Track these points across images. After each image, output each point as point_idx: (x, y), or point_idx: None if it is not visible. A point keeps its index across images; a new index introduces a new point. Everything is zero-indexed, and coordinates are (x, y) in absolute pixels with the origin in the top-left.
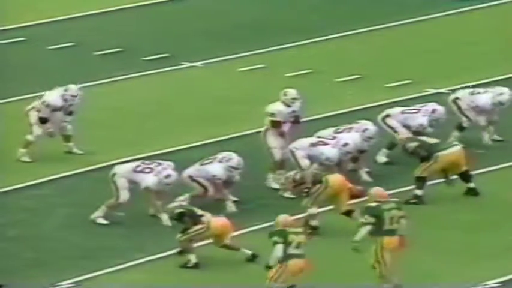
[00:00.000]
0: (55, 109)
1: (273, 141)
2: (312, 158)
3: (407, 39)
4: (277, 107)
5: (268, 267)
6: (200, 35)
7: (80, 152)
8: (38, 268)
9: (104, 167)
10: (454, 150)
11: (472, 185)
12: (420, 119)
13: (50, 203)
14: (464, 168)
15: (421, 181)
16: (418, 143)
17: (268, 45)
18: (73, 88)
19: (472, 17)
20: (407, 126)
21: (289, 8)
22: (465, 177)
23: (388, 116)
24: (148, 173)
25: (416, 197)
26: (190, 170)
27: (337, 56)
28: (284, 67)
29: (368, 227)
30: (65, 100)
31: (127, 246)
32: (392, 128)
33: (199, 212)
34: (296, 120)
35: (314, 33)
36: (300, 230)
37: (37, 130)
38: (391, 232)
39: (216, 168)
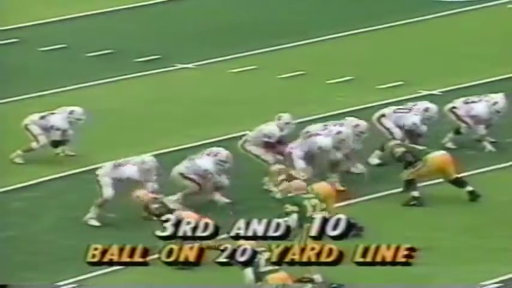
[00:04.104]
0: (59, 129)
1: (256, 149)
2: (307, 153)
3: (399, 40)
4: (271, 129)
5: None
6: (192, 37)
7: (72, 154)
8: (31, 270)
9: (95, 168)
10: (440, 155)
11: (469, 188)
12: (413, 118)
13: (43, 205)
14: (453, 175)
15: (410, 183)
16: (405, 149)
17: (260, 46)
18: (78, 111)
19: (464, 18)
20: (400, 126)
21: (281, 9)
22: (458, 183)
23: (383, 116)
24: (127, 164)
25: (415, 198)
26: (180, 167)
27: (329, 57)
28: (276, 68)
29: (295, 215)
30: (70, 123)
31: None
32: (387, 129)
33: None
34: (283, 142)
35: (306, 35)
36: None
37: (43, 140)
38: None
39: (205, 162)
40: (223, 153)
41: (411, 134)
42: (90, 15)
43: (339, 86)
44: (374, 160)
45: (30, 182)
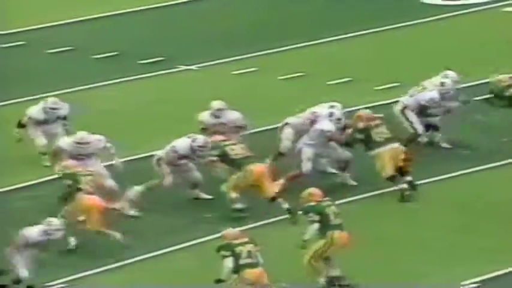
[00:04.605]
0: (39, 122)
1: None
2: (316, 145)
3: (395, 43)
4: (204, 117)
5: (220, 281)
6: (195, 39)
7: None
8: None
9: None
10: (391, 147)
11: (408, 178)
12: (430, 94)
13: (45, 203)
14: (400, 164)
15: (393, 179)
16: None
17: (261, 49)
18: (52, 100)
19: (457, 21)
20: (421, 107)
21: (281, 13)
22: (401, 172)
23: (405, 107)
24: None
25: (405, 189)
26: (160, 153)
27: (328, 59)
28: (277, 70)
29: (316, 225)
30: (46, 113)
31: (115, 246)
32: (410, 122)
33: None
34: (238, 129)
35: (305, 37)
36: (247, 239)
37: (41, 141)
38: (339, 226)
39: (183, 144)
40: (201, 139)
41: (428, 113)
42: (96, 18)
43: (338, 87)
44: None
45: (35, 182)
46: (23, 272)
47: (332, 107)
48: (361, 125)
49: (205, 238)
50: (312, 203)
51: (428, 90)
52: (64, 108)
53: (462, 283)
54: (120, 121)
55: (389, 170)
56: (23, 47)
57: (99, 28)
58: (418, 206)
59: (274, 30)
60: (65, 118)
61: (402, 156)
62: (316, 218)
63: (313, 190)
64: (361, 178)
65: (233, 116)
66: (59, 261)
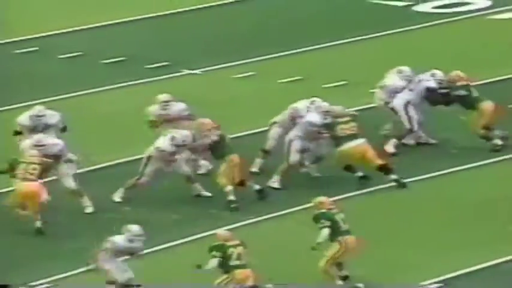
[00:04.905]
0: (31, 129)
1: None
2: (304, 138)
3: (387, 48)
4: (153, 110)
5: (199, 267)
6: (198, 45)
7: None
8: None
9: (106, 167)
10: (357, 143)
11: (394, 176)
12: (427, 83)
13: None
14: (377, 162)
15: (383, 170)
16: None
17: (261, 54)
18: (38, 108)
19: (449, 28)
20: (416, 100)
21: (280, 19)
22: (384, 170)
23: (408, 102)
24: None
25: (395, 180)
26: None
27: (324, 64)
28: (276, 74)
29: (327, 230)
30: (32, 120)
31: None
32: (409, 117)
33: None
34: (183, 118)
35: (302, 43)
36: (238, 242)
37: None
38: (348, 232)
39: (161, 140)
40: (179, 137)
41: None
42: (105, 25)
43: (334, 90)
44: (390, 148)
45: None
46: (124, 275)
47: (312, 102)
48: (329, 119)
49: (207, 233)
50: (323, 210)
51: (425, 81)
52: (52, 117)
53: (451, 275)
54: (127, 123)
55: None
56: (35, 52)
57: (108, 34)
58: (409, 202)
59: (273, 36)
60: (64, 130)
61: (372, 152)
62: (327, 224)
63: (322, 198)
64: (349, 176)
65: (178, 107)
66: (62, 255)
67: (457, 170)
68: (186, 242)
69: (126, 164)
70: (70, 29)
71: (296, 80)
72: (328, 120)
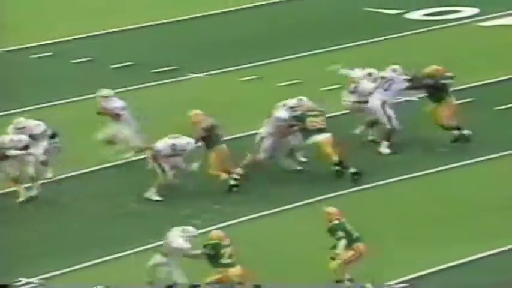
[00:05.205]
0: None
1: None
2: (274, 134)
3: (379, 54)
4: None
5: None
6: (203, 50)
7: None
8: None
9: (117, 165)
10: (322, 137)
11: (352, 170)
12: (400, 85)
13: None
14: (334, 158)
15: (341, 165)
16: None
17: (264, 58)
18: (16, 121)
19: (439, 35)
20: (391, 99)
21: (281, 27)
22: (342, 166)
23: (385, 102)
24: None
25: (354, 174)
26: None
27: (321, 68)
28: (277, 77)
29: (344, 241)
30: (15, 132)
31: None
32: (388, 117)
33: None
34: (118, 116)
35: (302, 49)
36: (229, 241)
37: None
38: (360, 239)
39: (161, 143)
40: (183, 142)
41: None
42: (114, 32)
43: (330, 93)
44: (385, 150)
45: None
46: (181, 278)
47: (285, 104)
48: (299, 112)
49: (212, 227)
50: (336, 222)
51: (399, 80)
52: (36, 127)
53: (387, 283)
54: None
55: (336, 157)
56: (49, 57)
57: (116, 40)
58: (397, 200)
59: (275, 42)
60: (53, 136)
61: (332, 147)
62: (343, 234)
63: (331, 209)
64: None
65: (116, 103)
66: (72, 247)
67: (446, 169)
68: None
69: (134, 162)
70: (81, 36)
71: (296, 83)
72: (298, 113)
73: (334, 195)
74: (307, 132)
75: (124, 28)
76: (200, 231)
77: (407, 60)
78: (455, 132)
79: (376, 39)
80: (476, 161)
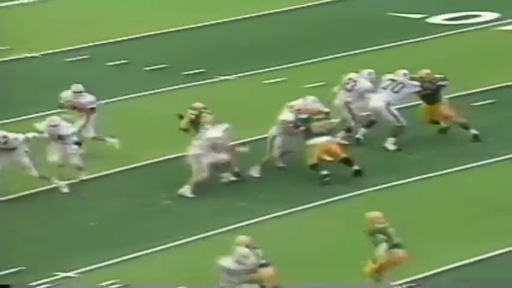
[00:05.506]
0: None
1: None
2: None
3: (405, 57)
4: (65, 95)
5: None
6: (231, 53)
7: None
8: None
9: (148, 164)
10: (323, 140)
11: (356, 167)
12: (412, 88)
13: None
14: (342, 155)
15: (314, 167)
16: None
17: (288, 61)
18: (49, 118)
19: (459, 39)
20: (395, 102)
21: (305, 30)
22: (347, 162)
23: (389, 103)
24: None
25: (324, 176)
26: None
27: (344, 71)
28: (302, 80)
29: (384, 244)
30: (47, 130)
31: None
32: (395, 116)
33: None
34: (90, 111)
35: (325, 52)
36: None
37: (51, 157)
38: (400, 245)
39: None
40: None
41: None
42: (147, 35)
43: None
44: (390, 146)
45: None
46: None
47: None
48: (303, 115)
49: (240, 224)
50: (378, 225)
51: (409, 86)
52: (64, 127)
53: (391, 283)
54: (167, 124)
55: (313, 160)
56: (86, 60)
57: (150, 44)
58: (415, 199)
59: (299, 46)
60: (77, 143)
61: (332, 149)
62: (383, 238)
63: (375, 213)
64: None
65: (86, 99)
66: (113, 241)
67: (465, 168)
68: (220, 232)
69: (167, 161)
70: (117, 39)
71: (320, 85)
72: (303, 116)
73: (356, 194)
74: (311, 134)
75: (157, 32)
76: (227, 228)
77: (428, 63)
78: (464, 129)
79: (398, 43)
80: (495, 161)
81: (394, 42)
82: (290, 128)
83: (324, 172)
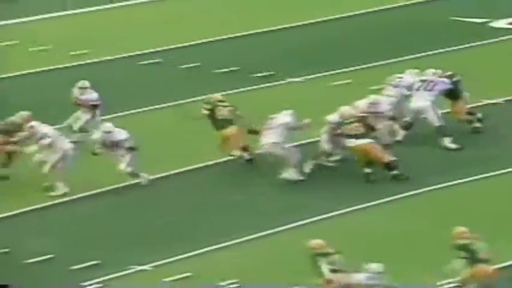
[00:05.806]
0: (106, 145)
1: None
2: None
3: (469, 61)
4: (74, 92)
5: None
6: (299, 56)
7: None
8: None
9: (219, 162)
10: (363, 142)
11: (395, 172)
12: (445, 86)
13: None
14: (381, 160)
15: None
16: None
17: (355, 64)
18: (105, 125)
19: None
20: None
21: (371, 35)
22: (387, 167)
23: (433, 103)
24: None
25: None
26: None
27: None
28: (367, 82)
29: (463, 261)
30: (102, 136)
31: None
32: (438, 116)
33: None
34: (93, 107)
35: (389, 56)
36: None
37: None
38: (486, 261)
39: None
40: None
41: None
42: (218, 40)
43: None
44: (451, 145)
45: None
46: None
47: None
48: (342, 119)
49: (305, 221)
50: (464, 242)
51: (441, 83)
52: (117, 134)
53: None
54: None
55: (361, 162)
56: (159, 64)
57: (220, 47)
58: (471, 198)
59: (364, 50)
60: (131, 149)
61: (375, 151)
62: (466, 255)
63: (462, 229)
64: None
65: (89, 96)
66: (177, 240)
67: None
68: (289, 228)
69: (235, 160)
70: (189, 43)
71: (383, 87)
72: (347, 120)
73: (415, 193)
74: (349, 136)
75: (227, 36)
76: (296, 224)
77: (491, 67)
78: (474, 124)
79: (461, 47)
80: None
81: (458, 46)
82: (334, 128)
83: (367, 170)
